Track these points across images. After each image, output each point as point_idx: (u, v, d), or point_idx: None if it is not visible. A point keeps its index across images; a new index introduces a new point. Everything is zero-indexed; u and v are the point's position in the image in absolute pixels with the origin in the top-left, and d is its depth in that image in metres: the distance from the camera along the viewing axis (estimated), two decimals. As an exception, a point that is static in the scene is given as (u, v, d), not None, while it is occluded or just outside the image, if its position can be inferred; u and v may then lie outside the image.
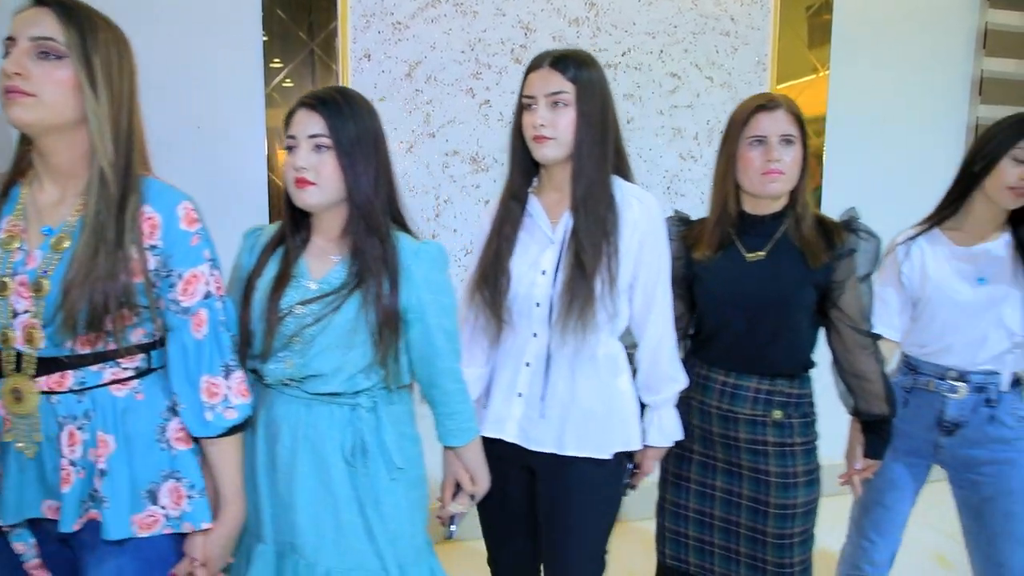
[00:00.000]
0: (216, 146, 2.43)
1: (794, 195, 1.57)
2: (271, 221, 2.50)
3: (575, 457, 1.46)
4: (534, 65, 1.45)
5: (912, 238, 1.76)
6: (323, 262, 1.35)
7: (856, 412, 1.66)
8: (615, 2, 2.70)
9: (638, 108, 2.78)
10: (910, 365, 1.80)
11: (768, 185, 1.52)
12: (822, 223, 1.58)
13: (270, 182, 2.48)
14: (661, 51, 2.78)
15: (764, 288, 1.53)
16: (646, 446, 1.55)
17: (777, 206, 1.58)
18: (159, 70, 2.34)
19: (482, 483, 1.49)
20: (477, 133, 2.63)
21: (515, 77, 2.64)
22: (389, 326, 1.30)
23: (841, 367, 1.63)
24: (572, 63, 1.40)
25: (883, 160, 3.11)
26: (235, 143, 2.46)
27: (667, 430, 1.56)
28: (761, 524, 1.56)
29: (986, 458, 1.68)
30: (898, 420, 1.72)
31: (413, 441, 1.43)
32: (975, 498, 1.72)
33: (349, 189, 1.29)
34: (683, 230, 1.68)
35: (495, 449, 1.51)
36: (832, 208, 2.97)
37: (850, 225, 1.57)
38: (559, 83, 1.40)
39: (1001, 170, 1.62)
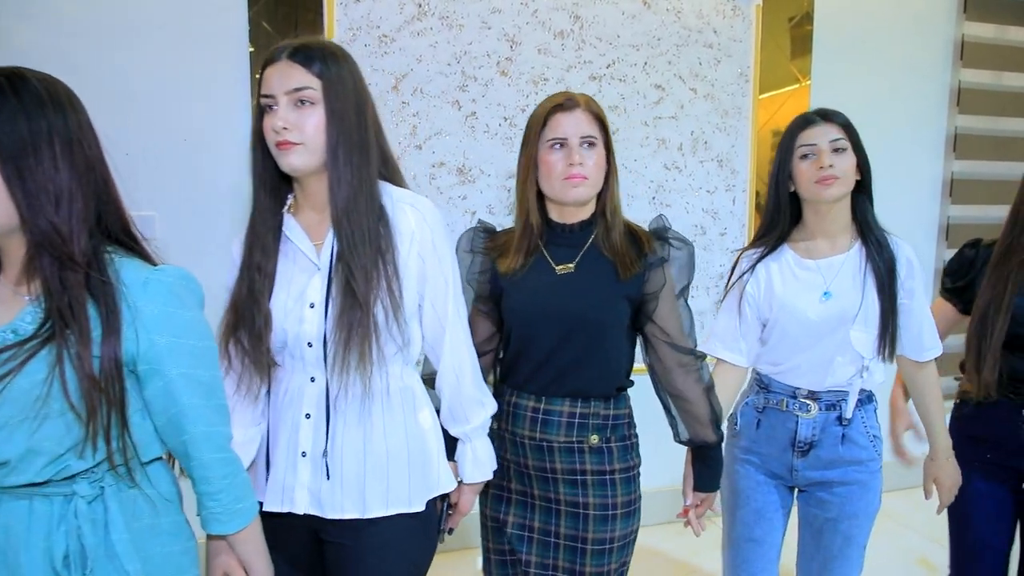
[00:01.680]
0: (201, 158, 2.43)
1: (602, 202, 1.45)
2: (258, 233, 2.50)
3: (381, 516, 1.25)
4: (270, 59, 1.20)
5: (758, 257, 1.65)
6: (11, 302, 1.04)
7: (679, 440, 1.53)
8: (600, 15, 2.73)
9: (623, 119, 2.81)
10: (762, 384, 1.68)
11: (570, 191, 1.39)
12: (632, 232, 1.46)
13: (257, 194, 2.48)
14: (645, 63, 2.81)
15: (574, 303, 1.40)
16: (461, 483, 1.40)
17: (584, 214, 1.45)
18: (145, 82, 2.34)
19: None
20: (464, 145, 2.65)
21: (501, 89, 2.66)
22: (101, 388, 0.99)
23: (660, 387, 1.51)
24: (316, 55, 1.18)
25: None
26: (220, 155, 2.45)
27: (482, 462, 1.39)
28: (580, 565, 1.43)
29: (838, 479, 1.60)
30: (755, 443, 1.66)
31: (173, 537, 1.12)
32: (820, 518, 1.63)
33: (18, 207, 0.98)
34: (488, 241, 1.52)
35: (284, 523, 1.27)
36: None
37: (660, 233, 1.46)
38: (302, 78, 1.16)
39: (799, 173, 1.57)
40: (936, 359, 1.67)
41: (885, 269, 1.54)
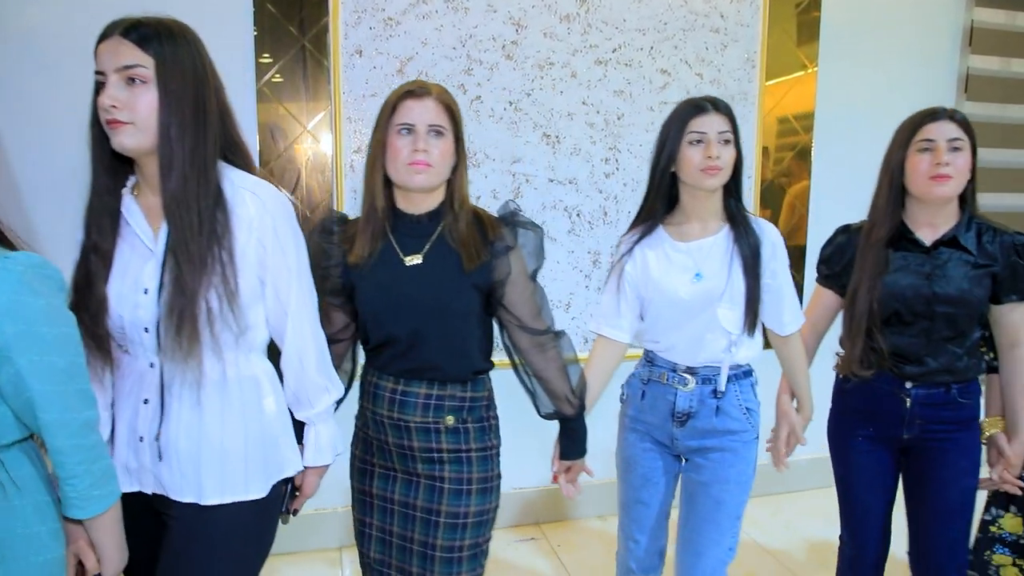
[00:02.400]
0: (207, 142, 2.43)
1: (450, 192, 1.46)
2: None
3: (222, 504, 1.25)
4: (104, 34, 1.18)
5: (636, 239, 1.69)
6: None
7: (541, 414, 1.59)
8: (606, -1, 2.72)
9: (628, 104, 2.79)
10: (648, 358, 1.76)
11: (414, 177, 1.39)
12: (480, 220, 1.47)
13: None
14: (651, 48, 2.80)
15: (422, 295, 1.42)
16: (305, 467, 1.40)
17: (432, 203, 1.46)
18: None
19: (111, 566, 1.19)
20: (468, 129, 2.61)
21: (506, 73, 2.65)
22: None
23: (518, 368, 1.56)
24: (151, 33, 1.15)
25: (870, 156, 3.13)
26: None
27: (323, 447, 1.40)
28: (432, 537, 1.47)
29: (712, 446, 1.67)
30: (641, 412, 1.74)
31: (39, 517, 1.12)
32: (694, 481, 1.70)
33: None
34: (341, 232, 1.51)
35: (135, 505, 1.26)
36: (821, 204, 3.02)
37: (508, 219, 1.48)
38: (133, 56, 1.14)
39: (685, 158, 1.58)
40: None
41: (750, 252, 1.61)
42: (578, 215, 2.81)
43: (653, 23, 2.78)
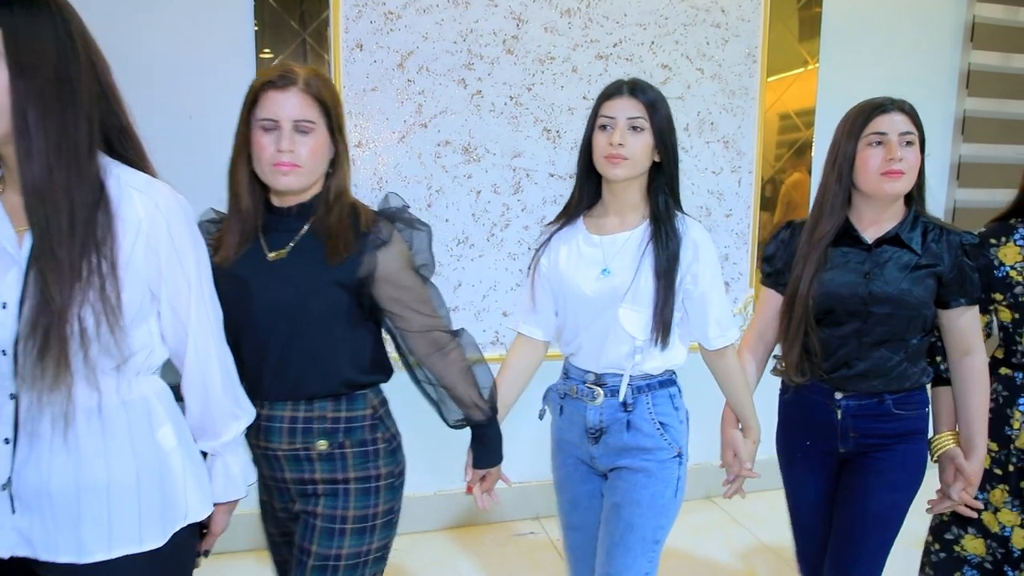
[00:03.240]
0: (207, 135, 2.43)
1: (327, 184, 1.33)
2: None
3: (109, 560, 1.05)
4: None
5: (555, 230, 1.59)
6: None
7: (449, 424, 1.45)
8: (607, -7, 2.71)
9: (629, 99, 2.79)
10: (564, 368, 1.63)
11: (280, 179, 1.26)
12: (356, 214, 1.33)
13: (262, 172, 2.49)
14: (652, 42, 2.79)
15: (278, 291, 1.27)
16: (215, 503, 1.22)
17: (304, 196, 1.32)
18: (150, 59, 2.34)
19: None
20: (469, 123, 2.64)
21: (507, 68, 2.65)
22: None
23: (418, 379, 1.42)
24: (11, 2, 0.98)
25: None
26: (226, 132, 2.45)
27: (235, 479, 1.23)
28: None
29: (626, 465, 1.52)
30: (562, 430, 1.61)
31: None
32: (608, 503, 1.56)
33: None
34: (216, 232, 1.35)
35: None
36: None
37: (387, 214, 1.36)
38: None
39: (595, 144, 1.47)
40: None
41: (666, 251, 1.45)
42: (578, 210, 2.80)
43: (654, 18, 2.78)
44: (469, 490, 1.56)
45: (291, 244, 1.31)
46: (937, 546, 1.75)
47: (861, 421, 1.57)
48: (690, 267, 1.47)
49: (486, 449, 1.49)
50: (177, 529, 1.13)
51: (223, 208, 1.40)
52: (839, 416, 1.58)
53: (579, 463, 1.61)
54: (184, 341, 1.14)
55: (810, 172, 3.05)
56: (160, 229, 1.07)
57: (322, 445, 1.31)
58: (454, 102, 2.61)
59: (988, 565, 1.67)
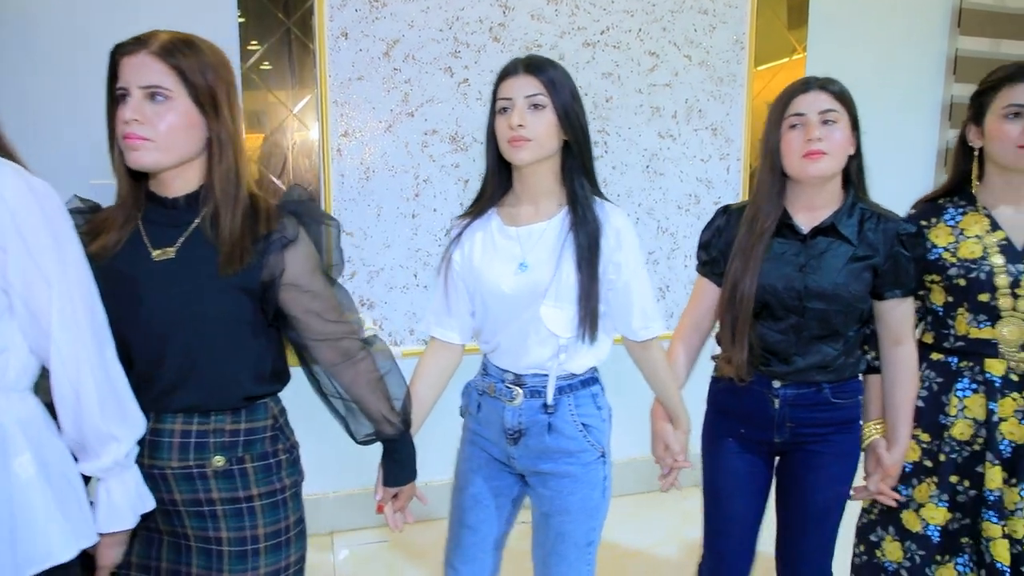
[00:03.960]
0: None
1: (210, 171, 1.18)
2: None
3: None
4: None
5: (466, 223, 1.48)
6: None
7: (357, 440, 1.34)
8: (593, -20, 2.70)
9: (617, 87, 2.78)
10: (483, 365, 1.54)
11: (130, 154, 1.12)
12: (255, 209, 1.19)
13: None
14: (639, 30, 2.78)
15: (170, 299, 1.14)
16: (100, 534, 1.10)
17: (188, 185, 1.18)
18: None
19: None
20: (456, 112, 2.63)
21: (493, 56, 2.63)
22: None
23: (324, 393, 1.32)
24: None
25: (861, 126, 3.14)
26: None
27: (120, 508, 1.09)
28: None
29: (550, 470, 1.44)
30: (479, 426, 1.52)
31: None
32: (537, 512, 1.49)
33: None
34: (87, 224, 1.21)
35: None
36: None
37: (292, 208, 1.24)
38: None
39: (497, 128, 1.38)
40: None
41: (587, 240, 1.36)
42: (567, 198, 2.80)
43: (641, 4, 2.77)
44: (380, 509, 1.44)
45: (180, 241, 1.17)
46: (861, 548, 1.71)
47: (799, 411, 1.53)
48: (612, 255, 1.39)
49: (398, 466, 1.37)
50: (32, 574, 0.99)
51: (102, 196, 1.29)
52: (776, 406, 1.53)
53: (492, 460, 1.51)
54: (46, 347, 1.01)
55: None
56: (5, 223, 0.96)
57: (219, 461, 1.18)
58: (441, 91, 2.60)
59: (904, 572, 1.61)
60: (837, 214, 1.49)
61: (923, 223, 1.61)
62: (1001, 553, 1.50)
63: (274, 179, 2.50)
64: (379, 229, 2.61)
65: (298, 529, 1.28)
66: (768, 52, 2.95)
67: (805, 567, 1.59)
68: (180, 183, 1.18)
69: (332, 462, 2.72)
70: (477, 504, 1.52)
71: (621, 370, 1.62)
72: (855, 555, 1.72)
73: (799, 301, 1.47)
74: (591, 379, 1.47)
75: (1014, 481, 1.51)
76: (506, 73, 1.37)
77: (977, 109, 1.53)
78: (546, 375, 1.42)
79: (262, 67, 2.44)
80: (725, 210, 1.62)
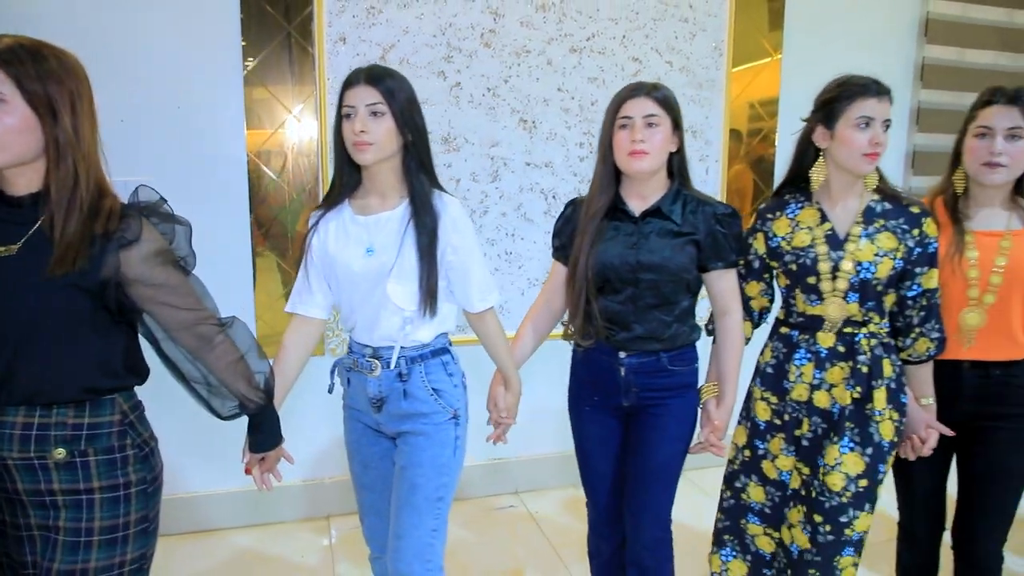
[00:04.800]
0: (195, 125, 2.52)
1: (48, 171, 1.21)
2: (250, 199, 2.60)
3: None
4: None
5: (322, 213, 1.65)
6: None
7: (221, 417, 1.41)
8: (580, -11, 2.83)
9: (602, 91, 2.91)
10: (348, 344, 1.72)
11: None
12: (99, 210, 1.22)
13: (248, 160, 2.58)
14: (623, 36, 2.92)
15: (7, 293, 1.18)
16: None
17: (33, 184, 1.22)
18: (140, 51, 2.42)
19: None
20: (448, 114, 2.75)
21: (485, 61, 2.76)
22: None
23: (183, 379, 1.37)
24: None
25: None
26: (213, 123, 2.54)
27: None
28: None
29: (408, 429, 1.64)
30: (352, 399, 1.72)
31: None
32: (395, 467, 1.69)
33: None
34: None
35: None
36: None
37: (136, 207, 1.27)
38: None
39: (343, 133, 1.55)
40: None
41: (426, 227, 1.55)
42: (554, 197, 2.93)
43: (625, 13, 2.90)
44: (248, 471, 1.59)
45: (23, 238, 1.20)
46: (728, 493, 1.88)
47: (643, 377, 1.73)
48: (450, 240, 1.58)
49: (262, 435, 1.50)
50: None
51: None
52: (622, 373, 1.74)
53: (367, 428, 1.71)
54: None
55: (773, 161, 3.20)
56: None
57: (59, 453, 1.21)
58: (434, 93, 2.72)
59: (767, 510, 1.81)
60: (663, 199, 1.70)
61: (769, 215, 1.78)
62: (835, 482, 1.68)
63: (274, 177, 2.61)
64: (374, 225, 2.72)
65: (141, 527, 1.29)
66: (745, 56, 3.10)
67: (647, 516, 1.77)
68: (24, 182, 1.22)
69: (331, 448, 2.84)
70: (367, 468, 1.73)
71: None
72: (723, 499, 1.90)
73: (633, 274, 1.68)
74: (441, 349, 1.67)
75: (835, 439, 1.68)
76: (349, 83, 1.53)
77: (828, 114, 1.66)
78: (395, 346, 1.61)
79: (262, 69, 2.54)
80: (573, 202, 1.84)
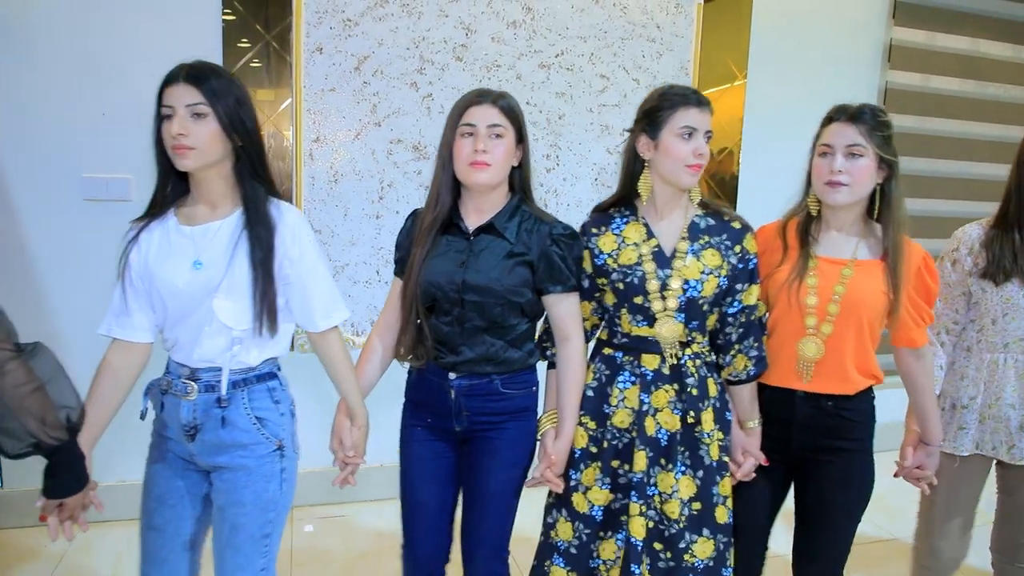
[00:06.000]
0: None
1: None
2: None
3: None
4: None
5: (143, 224, 1.48)
6: None
7: (9, 455, 1.24)
8: (550, 7, 2.95)
9: (570, 105, 3.04)
10: (166, 364, 1.54)
11: None
12: None
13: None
14: (592, 54, 3.04)
15: None
16: None
17: None
18: (122, 49, 2.55)
19: None
20: (420, 124, 2.87)
21: (456, 74, 2.88)
22: None
23: None
24: None
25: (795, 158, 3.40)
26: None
27: None
28: None
29: (225, 463, 1.47)
30: (163, 426, 1.52)
31: None
32: (214, 505, 1.52)
33: None
34: None
35: None
36: (747, 202, 3.26)
37: None
38: None
39: (163, 136, 1.41)
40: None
41: (262, 238, 1.42)
42: (521, 206, 3.04)
43: (594, 31, 3.03)
44: (43, 519, 1.37)
45: None
46: (542, 530, 1.75)
47: (473, 400, 1.63)
48: (288, 251, 1.45)
49: (59, 479, 1.31)
50: None
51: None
52: (453, 396, 1.63)
53: (177, 458, 1.52)
54: None
55: (736, 177, 3.31)
56: None
57: None
58: (406, 103, 2.84)
59: (573, 550, 1.67)
60: (499, 215, 1.60)
61: (594, 230, 1.68)
62: (637, 530, 1.60)
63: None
64: (345, 228, 2.84)
65: None
66: (711, 78, 3.22)
67: (483, 548, 1.66)
68: None
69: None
70: (162, 504, 1.52)
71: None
72: (541, 535, 1.76)
73: (458, 294, 1.57)
74: (268, 374, 1.52)
75: (670, 467, 1.60)
76: (168, 81, 1.39)
77: (651, 123, 1.58)
78: (220, 368, 1.45)
79: (241, 76, 2.66)
80: (414, 213, 1.71)
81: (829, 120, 1.64)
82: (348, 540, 2.74)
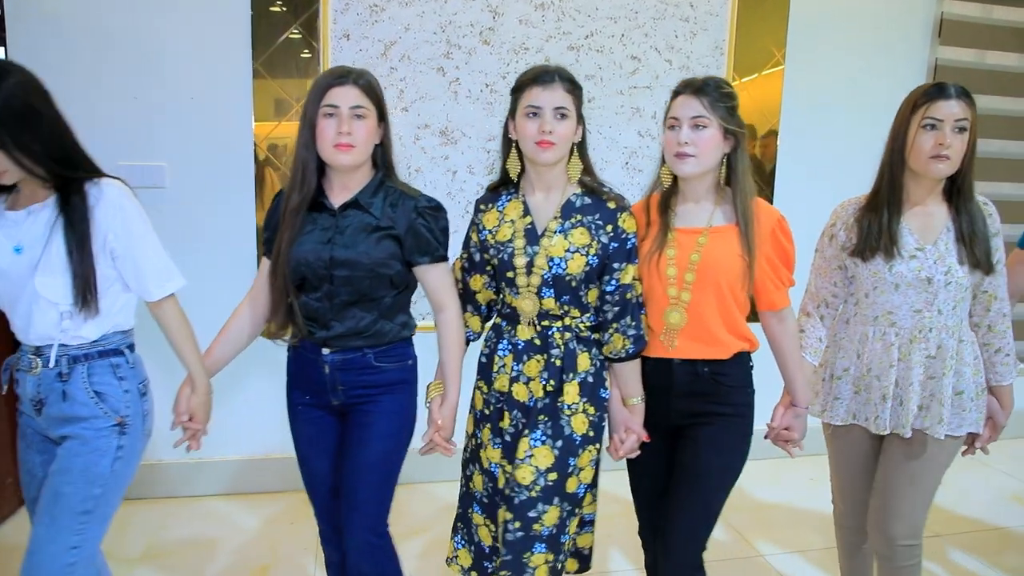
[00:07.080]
0: (207, 114, 2.69)
1: None
2: (256, 184, 2.76)
3: None
4: None
5: None
6: None
7: None
8: (579, -12, 2.90)
9: (599, 88, 2.98)
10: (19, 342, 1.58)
11: None
12: None
13: (255, 147, 2.74)
14: (622, 35, 2.98)
15: None
16: None
17: None
18: (156, 43, 2.61)
19: None
20: (447, 108, 2.86)
21: (483, 58, 2.86)
22: None
23: None
24: None
25: (837, 142, 3.28)
26: (225, 112, 2.71)
27: None
28: None
29: (65, 433, 1.52)
30: (21, 404, 1.57)
31: None
32: (47, 472, 1.54)
33: None
34: None
35: None
36: (786, 187, 3.17)
37: None
38: None
39: None
40: None
41: (78, 217, 1.46)
42: (550, 191, 3.01)
43: (624, 11, 2.96)
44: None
45: None
46: (462, 480, 1.85)
47: (346, 374, 1.67)
48: (111, 228, 1.49)
49: None
50: None
51: None
52: (327, 371, 1.67)
53: (35, 433, 1.58)
54: None
55: (774, 162, 3.21)
56: None
57: None
58: (433, 89, 2.83)
59: (485, 499, 1.77)
60: (363, 191, 1.64)
61: (482, 207, 1.76)
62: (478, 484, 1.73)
63: (276, 161, 2.76)
64: (373, 214, 2.85)
65: None
66: (747, 58, 3.12)
67: (356, 518, 1.69)
68: None
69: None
70: (33, 478, 1.59)
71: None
72: (460, 485, 1.85)
73: (327, 270, 1.61)
74: (114, 350, 1.56)
75: (527, 432, 1.66)
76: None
77: (512, 107, 1.66)
78: (53, 343, 1.51)
79: (269, 63, 2.70)
80: (279, 193, 1.73)
81: (676, 94, 1.66)
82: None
